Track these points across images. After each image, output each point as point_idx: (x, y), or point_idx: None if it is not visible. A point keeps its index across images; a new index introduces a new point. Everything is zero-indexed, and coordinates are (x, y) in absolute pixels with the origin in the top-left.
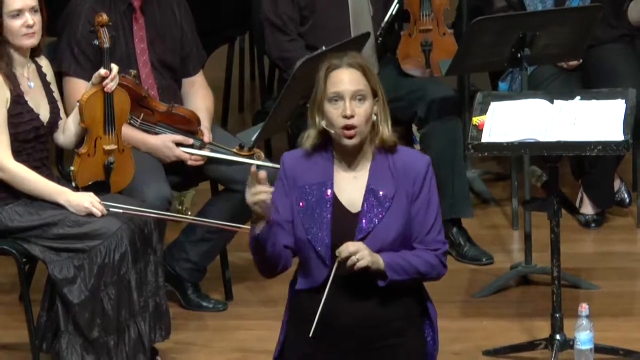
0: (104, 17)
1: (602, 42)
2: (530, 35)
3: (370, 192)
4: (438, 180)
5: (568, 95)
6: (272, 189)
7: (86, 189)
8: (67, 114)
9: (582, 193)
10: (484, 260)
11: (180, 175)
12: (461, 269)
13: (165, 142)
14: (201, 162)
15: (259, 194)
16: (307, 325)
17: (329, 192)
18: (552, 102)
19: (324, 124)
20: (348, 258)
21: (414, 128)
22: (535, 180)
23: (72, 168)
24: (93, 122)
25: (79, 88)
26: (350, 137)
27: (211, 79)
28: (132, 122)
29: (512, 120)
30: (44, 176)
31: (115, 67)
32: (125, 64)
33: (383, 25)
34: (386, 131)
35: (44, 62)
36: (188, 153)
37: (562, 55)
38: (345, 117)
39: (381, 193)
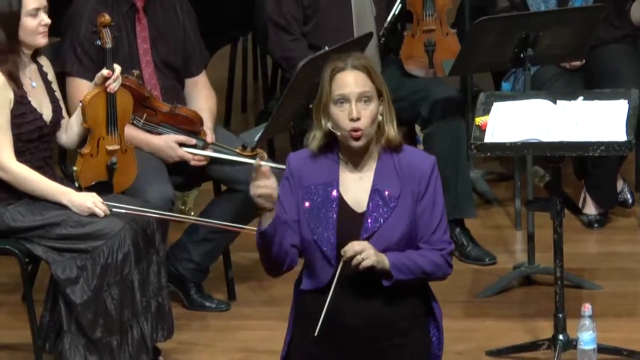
0: (106, 18)
1: (604, 42)
2: (533, 35)
3: (375, 191)
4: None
5: (571, 96)
6: (275, 184)
7: (89, 189)
8: (70, 115)
9: (585, 193)
10: (487, 260)
11: (183, 175)
12: (464, 269)
13: (167, 142)
14: (204, 162)
15: (261, 187)
16: (312, 325)
17: (335, 192)
18: (555, 102)
19: (329, 125)
20: (353, 257)
21: (417, 128)
22: (537, 181)
23: (74, 168)
24: (95, 122)
25: (82, 88)
26: (357, 139)
27: (214, 79)
28: (134, 122)
29: (515, 120)
30: (46, 176)
31: (117, 68)
32: (127, 64)
33: (385, 25)
34: (392, 131)
35: (44, 62)
36: (191, 153)
37: (565, 56)
38: (352, 120)
39: (386, 192)
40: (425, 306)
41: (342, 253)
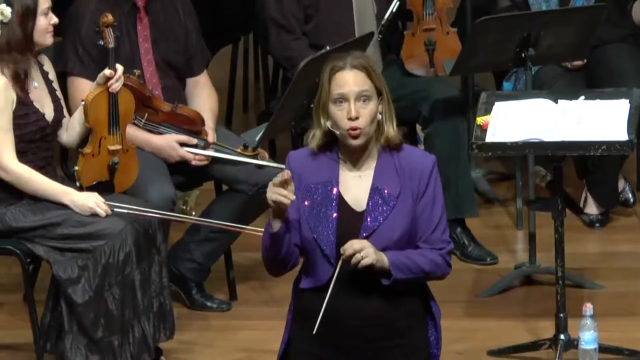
0: (109, 17)
1: (606, 41)
2: (534, 34)
3: (375, 190)
4: (442, 180)
5: (572, 95)
6: (293, 197)
7: (90, 188)
8: (72, 114)
9: (586, 193)
10: (489, 259)
11: (184, 174)
12: (465, 268)
13: (169, 142)
14: (205, 162)
15: (280, 196)
16: (311, 324)
17: (334, 190)
18: (556, 102)
19: (328, 124)
20: (352, 255)
21: (418, 128)
22: (539, 180)
23: (76, 168)
24: (97, 122)
25: (84, 88)
26: (355, 137)
27: (215, 79)
28: (136, 121)
29: (516, 120)
30: (48, 176)
31: (120, 67)
32: (129, 63)
33: (383, 22)
34: (391, 130)
35: (44, 61)
36: (192, 153)
37: (566, 55)
38: (350, 119)
39: (386, 191)
40: (423, 306)
41: (341, 251)
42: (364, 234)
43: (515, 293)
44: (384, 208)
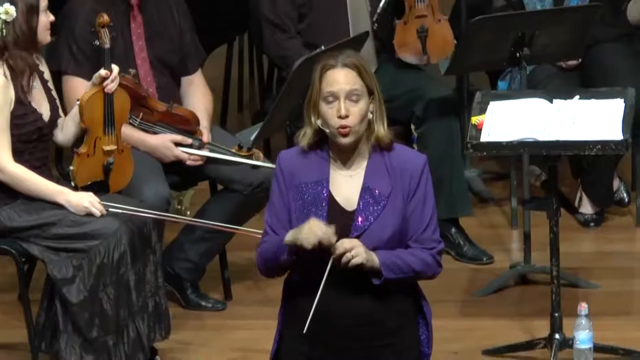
0: (105, 18)
1: (600, 41)
2: (529, 34)
3: (366, 190)
4: (436, 179)
5: (567, 94)
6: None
7: (85, 188)
8: (66, 113)
9: (581, 192)
10: (484, 259)
11: (179, 174)
12: (460, 268)
13: (164, 142)
14: (200, 162)
15: (312, 241)
16: (301, 323)
17: (325, 190)
18: (551, 101)
19: (319, 122)
20: (343, 254)
21: (413, 127)
22: (534, 180)
23: (71, 167)
24: (93, 122)
25: (78, 86)
26: (345, 135)
27: (210, 78)
28: (131, 121)
29: (511, 120)
30: (43, 176)
31: (115, 68)
32: (123, 61)
33: (378, 10)
34: (381, 129)
35: (39, 60)
36: (187, 153)
37: (561, 55)
38: (340, 117)
39: (377, 191)
40: (415, 305)
41: (332, 250)
42: (355, 234)
43: (510, 292)
44: (375, 208)
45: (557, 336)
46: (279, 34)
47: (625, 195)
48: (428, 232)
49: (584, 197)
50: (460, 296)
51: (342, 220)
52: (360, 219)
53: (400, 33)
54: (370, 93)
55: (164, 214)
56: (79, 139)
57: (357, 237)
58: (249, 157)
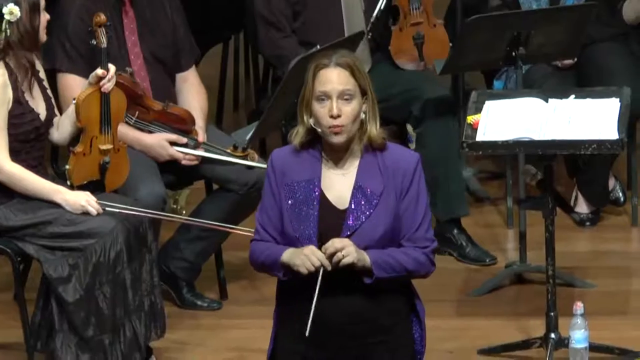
0: (102, 17)
1: (596, 40)
2: (524, 33)
3: (358, 189)
4: (434, 180)
5: (562, 94)
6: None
7: (81, 187)
8: (62, 111)
9: (577, 191)
10: (487, 260)
11: (175, 174)
12: (456, 267)
13: (159, 141)
14: (195, 162)
15: (314, 263)
16: (295, 323)
17: (316, 189)
18: (547, 101)
19: (311, 121)
20: (334, 254)
21: (409, 127)
22: (529, 179)
23: (67, 166)
24: (89, 121)
25: (73, 83)
26: (337, 134)
27: (205, 77)
28: (126, 119)
29: (507, 119)
30: (39, 175)
31: (112, 67)
32: (116, 56)
33: (372, 19)
34: (374, 129)
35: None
36: (182, 152)
37: (557, 54)
38: (332, 117)
39: (369, 190)
40: (408, 304)
41: (323, 250)
42: (346, 233)
43: (505, 292)
44: (367, 207)
45: (552, 335)
46: (274, 33)
47: (620, 194)
48: (421, 230)
49: (580, 197)
50: (455, 295)
51: (333, 219)
52: (351, 218)
53: (396, 40)
54: (364, 93)
55: (160, 213)
56: (75, 138)
57: (349, 236)
58: (244, 157)
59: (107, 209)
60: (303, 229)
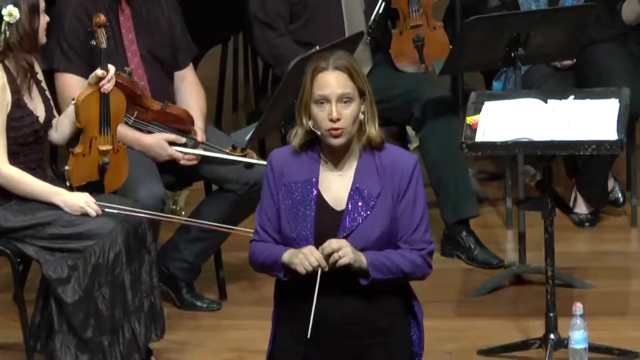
0: (102, 18)
1: (595, 41)
2: (523, 34)
3: (355, 190)
4: (441, 182)
5: (562, 94)
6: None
7: (80, 188)
8: (61, 111)
9: (576, 192)
10: (495, 263)
11: (174, 174)
12: (455, 268)
13: (158, 141)
14: (194, 162)
15: (311, 262)
16: (295, 324)
17: (314, 189)
18: (546, 101)
19: (310, 124)
20: (331, 254)
21: (409, 128)
22: (529, 180)
23: (66, 167)
24: (88, 122)
25: (71, 83)
26: (336, 137)
27: (205, 78)
28: (125, 119)
29: (506, 120)
30: (38, 177)
31: (112, 68)
32: (114, 54)
33: (370, 22)
34: (372, 130)
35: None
36: (181, 152)
37: (556, 55)
38: (331, 120)
39: (366, 192)
40: (405, 305)
41: (319, 251)
42: (343, 234)
43: (505, 292)
44: (364, 208)
45: (552, 336)
46: (269, 32)
47: (620, 195)
48: (418, 233)
49: (579, 197)
50: (455, 296)
51: (330, 220)
52: (348, 219)
53: (397, 43)
54: (362, 94)
55: (159, 214)
56: (74, 139)
57: (345, 237)
58: (244, 157)
59: (106, 210)
60: (300, 230)
